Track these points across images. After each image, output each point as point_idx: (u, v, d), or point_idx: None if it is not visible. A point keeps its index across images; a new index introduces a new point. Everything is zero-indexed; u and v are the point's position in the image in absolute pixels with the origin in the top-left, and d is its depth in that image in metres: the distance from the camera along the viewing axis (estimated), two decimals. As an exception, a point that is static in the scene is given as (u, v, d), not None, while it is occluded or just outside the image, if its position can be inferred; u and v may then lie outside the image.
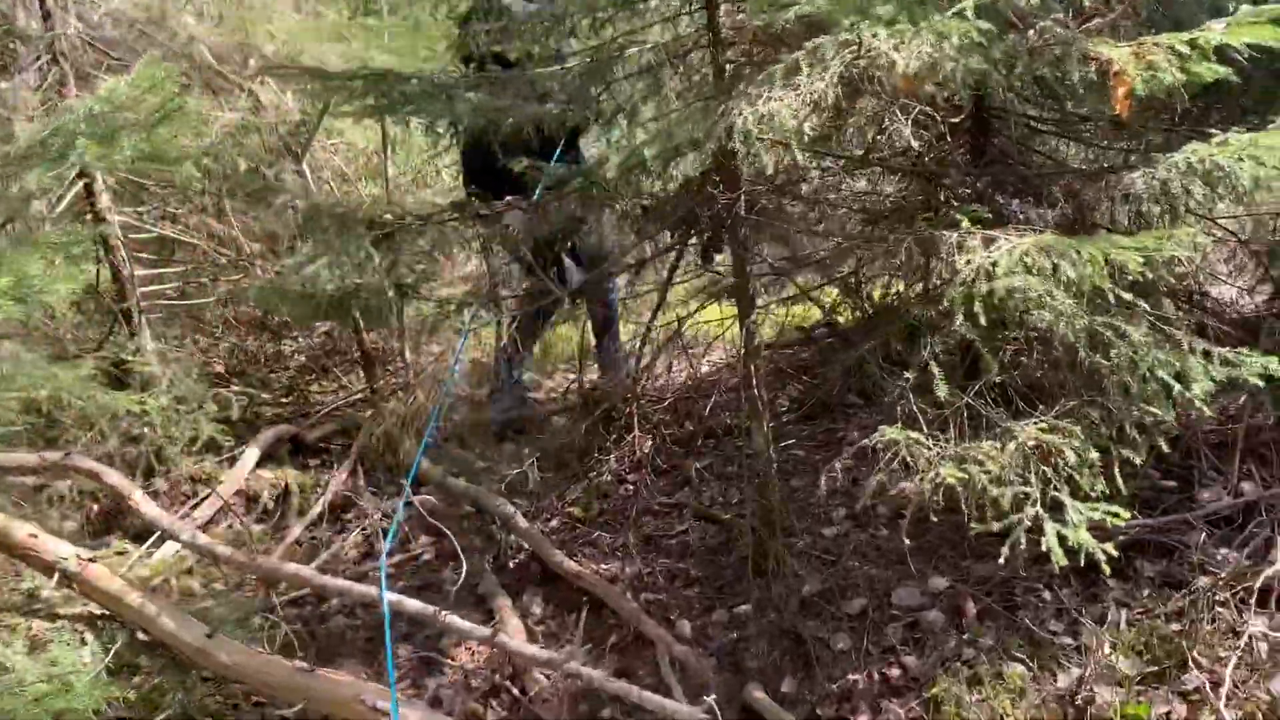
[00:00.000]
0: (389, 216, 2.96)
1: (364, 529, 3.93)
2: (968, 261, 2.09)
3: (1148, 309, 2.25)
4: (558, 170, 3.42)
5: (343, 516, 4.12)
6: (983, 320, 2.03)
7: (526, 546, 3.61)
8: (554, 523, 3.80)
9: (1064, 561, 1.97)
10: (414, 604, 2.90)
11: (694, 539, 3.54)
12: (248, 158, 4.74)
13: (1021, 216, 2.66)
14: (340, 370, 5.35)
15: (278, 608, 3.10)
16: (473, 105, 2.71)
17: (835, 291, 4.25)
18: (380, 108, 2.62)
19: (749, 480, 3.25)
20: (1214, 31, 2.03)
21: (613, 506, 3.80)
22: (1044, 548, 1.98)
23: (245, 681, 2.78)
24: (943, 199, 2.84)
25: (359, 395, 4.98)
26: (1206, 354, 2.22)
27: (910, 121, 3.06)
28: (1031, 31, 2.17)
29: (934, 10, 1.97)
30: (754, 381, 2.95)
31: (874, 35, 1.81)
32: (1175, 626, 2.56)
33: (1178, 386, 2.16)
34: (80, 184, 4.16)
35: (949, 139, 3.20)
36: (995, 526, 2.08)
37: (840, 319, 4.45)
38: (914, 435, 2.21)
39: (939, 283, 2.16)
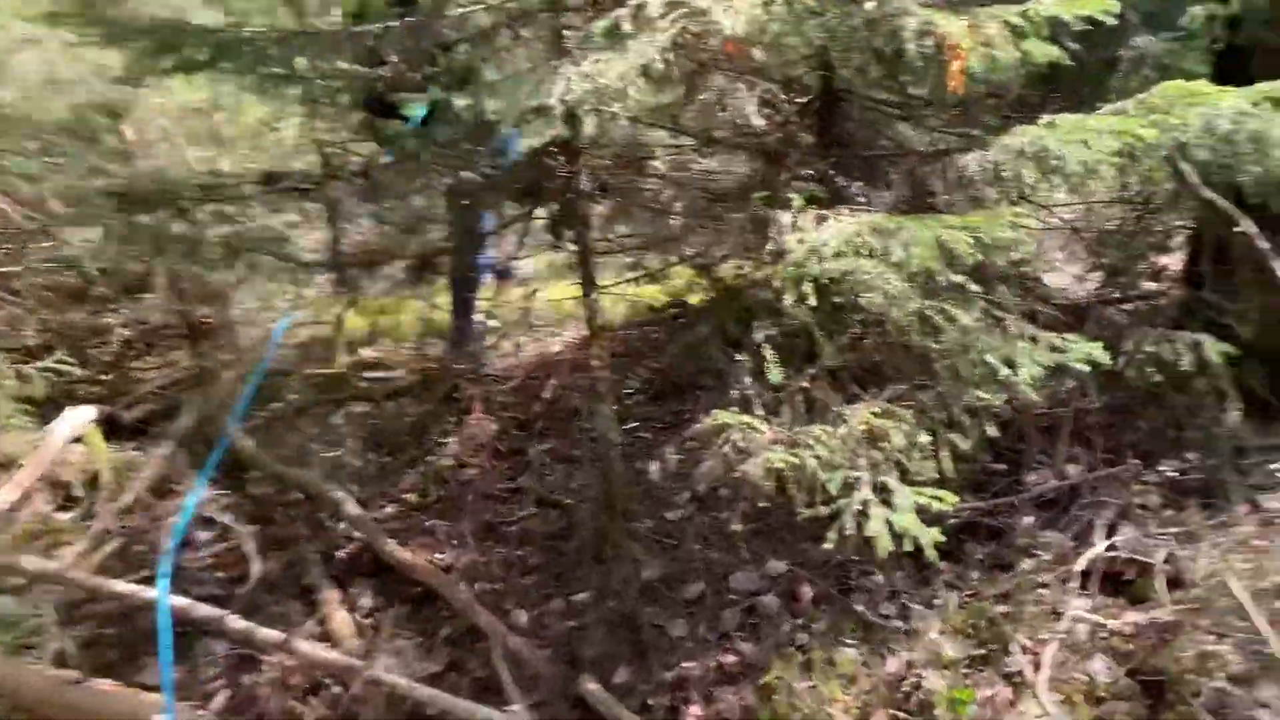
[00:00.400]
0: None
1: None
2: (800, 241, 2.02)
3: (981, 293, 2.24)
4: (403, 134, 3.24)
5: (160, 503, 3.82)
6: (813, 301, 1.97)
7: (358, 535, 3.41)
8: (388, 509, 3.62)
9: (890, 547, 1.93)
10: (180, 602, 2.68)
11: (534, 525, 3.42)
12: (59, 114, 4.34)
13: (862, 198, 2.63)
14: (167, 346, 4.99)
15: (39, 608, 2.81)
16: (286, 68, 2.49)
17: (688, 271, 4.17)
18: (180, 65, 2.36)
19: (591, 463, 3.15)
20: (1045, 4, 2.02)
21: (451, 492, 3.64)
22: (870, 532, 1.94)
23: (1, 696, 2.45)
24: (784, 179, 2.78)
25: (185, 373, 4.64)
26: (1033, 339, 2.23)
27: (757, 100, 2.99)
28: (870, 3, 2.11)
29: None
30: (597, 361, 2.84)
31: (695, -8, 1.72)
32: (1002, 608, 2.59)
33: (1006, 371, 2.16)
34: None
35: (797, 120, 3.15)
36: (824, 510, 2.03)
37: (692, 299, 4.37)
38: (747, 419, 2.14)
39: (769, 262, 2.09)
